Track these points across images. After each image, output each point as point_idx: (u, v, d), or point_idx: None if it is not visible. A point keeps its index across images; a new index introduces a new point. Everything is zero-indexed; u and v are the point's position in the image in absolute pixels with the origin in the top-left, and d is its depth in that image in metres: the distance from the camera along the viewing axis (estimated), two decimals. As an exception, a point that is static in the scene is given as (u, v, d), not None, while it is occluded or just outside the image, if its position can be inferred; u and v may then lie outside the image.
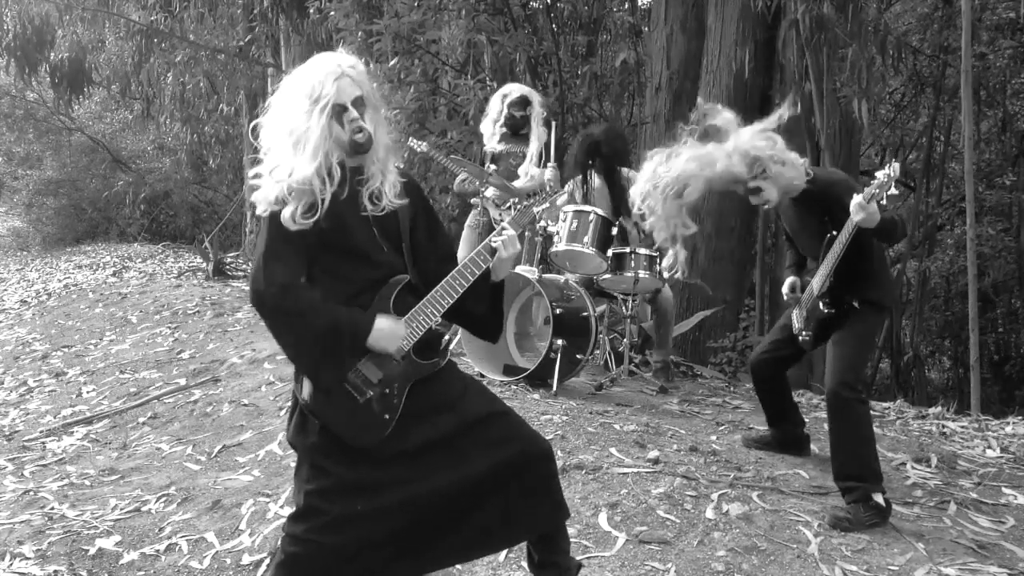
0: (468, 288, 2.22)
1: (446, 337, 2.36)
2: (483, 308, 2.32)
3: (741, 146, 3.24)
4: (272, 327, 2.14)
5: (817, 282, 3.37)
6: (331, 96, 2.09)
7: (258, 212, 2.15)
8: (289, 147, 2.10)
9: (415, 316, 2.18)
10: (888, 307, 3.58)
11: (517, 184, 5.27)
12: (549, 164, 5.12)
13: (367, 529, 2.12)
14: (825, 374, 3.40)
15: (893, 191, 3.12)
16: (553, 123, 5.46)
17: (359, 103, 2.13)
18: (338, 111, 2.11)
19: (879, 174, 3.11)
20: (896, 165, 3.12)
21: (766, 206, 3.36)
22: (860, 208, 3.07)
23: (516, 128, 5.38)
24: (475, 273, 2.20)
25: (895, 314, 11.25)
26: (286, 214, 2.08)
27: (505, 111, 5.35)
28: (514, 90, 5.43)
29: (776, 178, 3.26)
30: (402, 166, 2.31)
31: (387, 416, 2.14)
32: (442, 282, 2.19)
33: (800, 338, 3.54)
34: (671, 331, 5.32)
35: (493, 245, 2.22)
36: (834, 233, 3.28)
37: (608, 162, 5.14)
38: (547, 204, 2.43)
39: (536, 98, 5.45)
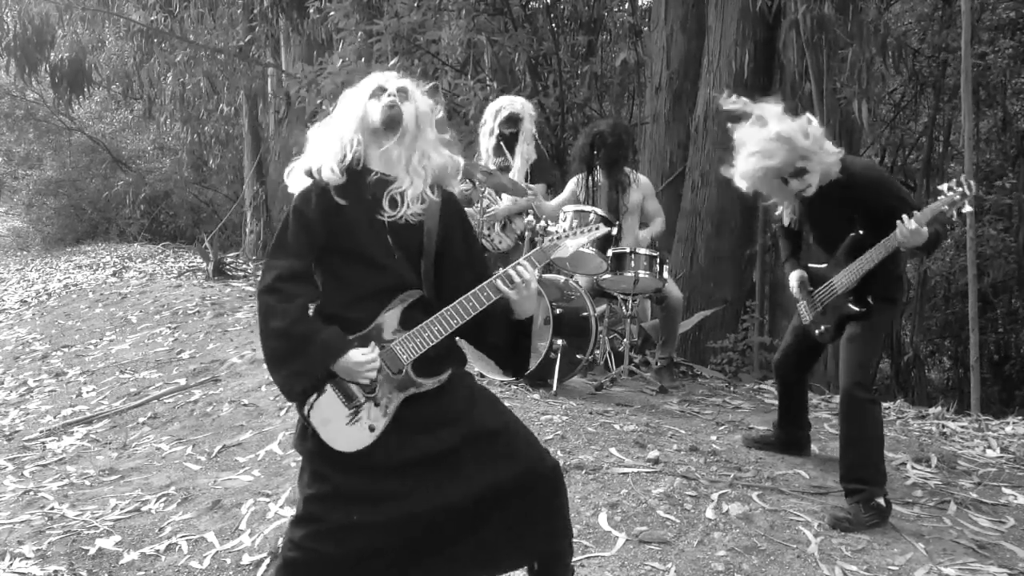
0: (488, 319, 2.20)
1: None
2: (501, 341, 2.29)
3: (785, 132, 3.11)
4: (258, 323, 2.18)
5: (843, 282, 3.33)
6: (377, 81, 2.23)
7: (291, 189, 2.26)
8: (329, 129, 2.23)
9: (416, 335, 2.15)
10: (900, 300, 3.53)
11: (501, 206, 5.30)
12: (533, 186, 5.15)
13: (365, 540, 2.10)
14: (839, 373, 3.38)
15: (968, 208, 3.06)
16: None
17: (402, 92, 2.22)
18: (377, 91, 2.21)
19: (945, 189, 3.04)
20: (971, 183, 3.04)
21: (807, 192, 3.23)
22: (913, 235, 3.02)
23: (507, 143, 5.38)
24: (476, 308, 2.17)
25: (896, 314, 11.23)
26: (325, 172, 2.16)
27: (496, 129, 5.36)
28: (505, 106, 5.40)
29: (814, 164, 3.15)
30: (464, 188, 2.34)
31: (372, 428, 2.13)
32: (447, 307, 2.16)
33: (818, 332, 3.48)
34: (678, 329, 5.31)
35: (499, 285, 2.17)
36: (861, 233, 3.25)
37: (611, 153, 5.14)
38: (583, 239, 2.40)
39: (528, 113, 5.44)
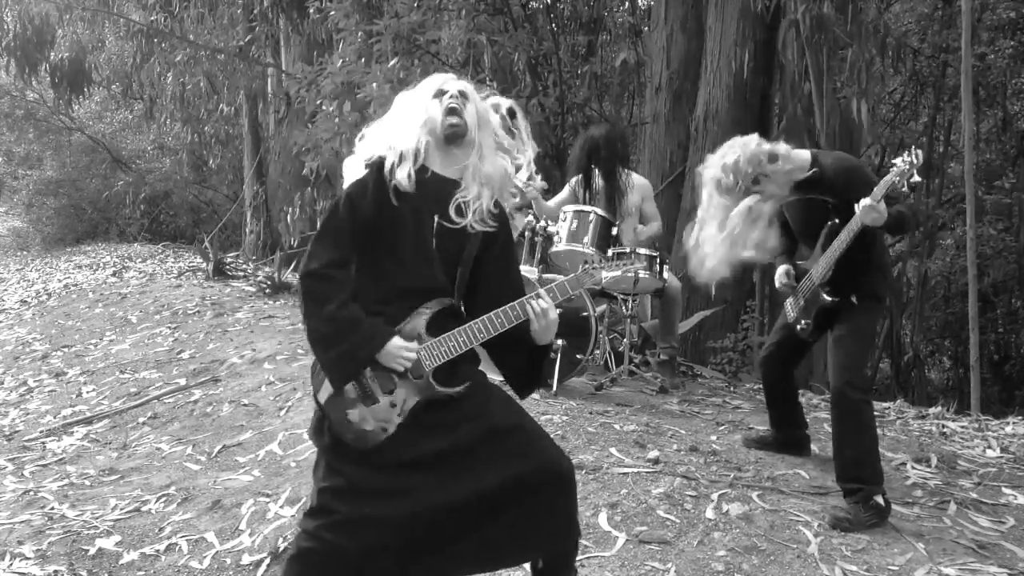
0: (511, 339, 2.22)
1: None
2: (520, 363, 2.32)
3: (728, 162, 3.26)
4: (302, 308, 2.18)
5: (818, 271, 3.36)
6: (437, 83, 2.28)
7: (346, 176, 2.31)
8: (392, 126, 2.27)
9: (441, 343, 2.17)
10: (886, 298, 3.56)
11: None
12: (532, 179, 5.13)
13: (376, 534, 2.12)
14: (829, 374, 3.39)
15: (916, 178, 3.09)
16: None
17: (462, 95, 2.26)
18: (439, 93, 2.25)
19: (898, 162, 3.07)
20: (918, 152, 3.08)
21: (772, 195, 3.33)
22: (869, 210, 3.05)
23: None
24: (504, 324, 2.19)
25: (895, 314, 11.26)
26: (400, 174, 2.18)
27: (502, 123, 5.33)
28: (502, 101, 5.40)
29: (773, 176, 3.26)
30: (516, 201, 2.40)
31: (384, 428, 2.14)
32: (476, 321, 2.19)
33: (799, 327, 3.50)
34: (678, 319, 5.29)
35: (527, 307, 2.19)
36: (836, 221, 3.27)
37: (608, 163, 5.14)
38: (618, 272, 2.42)
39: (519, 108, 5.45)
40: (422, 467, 2.14)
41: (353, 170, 2.27)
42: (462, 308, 2.28)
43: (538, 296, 2.21)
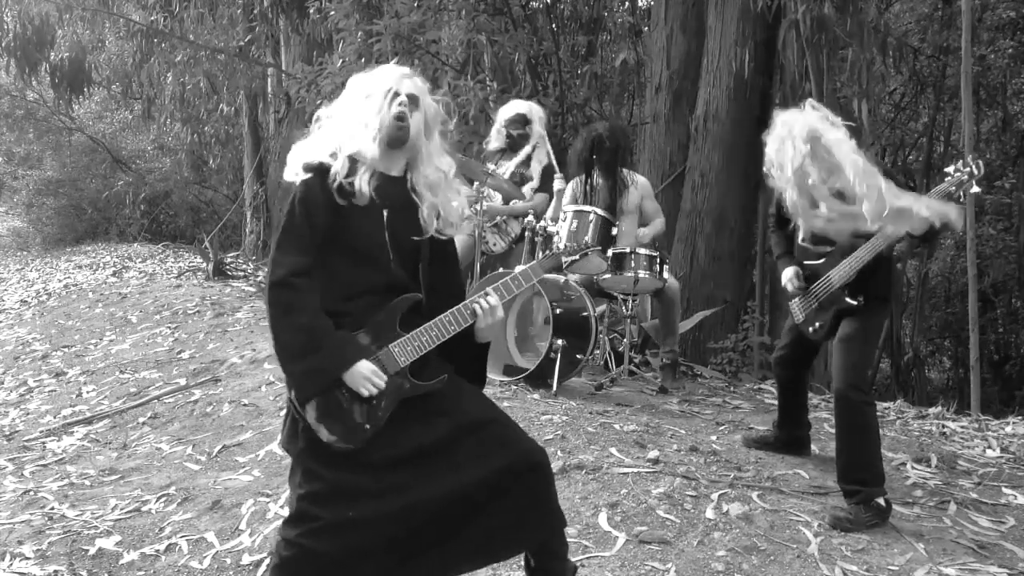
0: (460, 334, 2.24)
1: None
2: (467, 361, 2.33)
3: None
4: (270, 318, 2.16)
5: (840, 275, 3.33)
6: (391, 81, 2.24)
7: (287, 177, 2.26)
8: (347, 125, 2.23)
9: (415, 338, 2.18)
10: (892, 299, 3.54)
11: (495, 204, 5.32)
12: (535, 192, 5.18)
13: (360, 536, 2.10)
14: (833, 375, 3.38)
15: (975, 189, 3.04)
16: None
17: (413, 100, 2.24)
18: (391, 95, 2.22)
19: (951, 171, 3.02)
20: (979, 162, 3.01)
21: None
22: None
23: (515, 147, 5.41)
24: (460, 325, 2.21)
25: (895, 314, 11.26)
26: (358, 183, 2.16)
27: (504, 131, 5.39)
28: (511, 107, 5.46)
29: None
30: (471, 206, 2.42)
31: (367, 426, 2.13)
32: (445, 314, 2.20)
33: (811, 330, 3.49)
34: (678, 319, 5.29)
35: (473, 307, 2.22)
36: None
37: (610, 156, 5.15)
38: (576, 257, 2.44)
39: (537, 115, 5.45)
40: (404, 464, 2.14)
41: (295, 165, 2.24)
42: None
43: (487, 294, 2.24)
